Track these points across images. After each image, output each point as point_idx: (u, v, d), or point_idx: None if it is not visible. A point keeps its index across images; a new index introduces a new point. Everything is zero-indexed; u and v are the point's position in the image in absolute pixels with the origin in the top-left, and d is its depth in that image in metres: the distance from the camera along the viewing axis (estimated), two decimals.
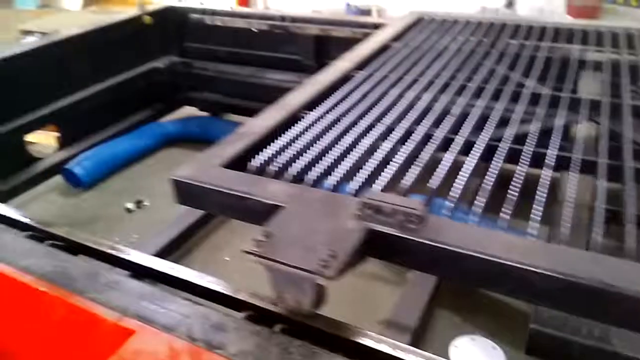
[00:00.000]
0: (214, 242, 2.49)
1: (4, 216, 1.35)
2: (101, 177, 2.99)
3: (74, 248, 1.23)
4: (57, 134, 2.98)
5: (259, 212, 1.11)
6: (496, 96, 1.73)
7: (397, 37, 2.38)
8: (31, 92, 2.67)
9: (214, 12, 3.35)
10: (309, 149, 1.38)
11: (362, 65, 2.03)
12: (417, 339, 1.77)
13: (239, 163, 1.31)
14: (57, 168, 2.85)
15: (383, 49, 2.23)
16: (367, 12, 7.25)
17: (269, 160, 1.31)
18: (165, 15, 3.44)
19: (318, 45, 3.12)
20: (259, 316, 1.00)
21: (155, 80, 3.38)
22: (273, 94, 2.97)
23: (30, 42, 3.11)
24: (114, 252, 1.21)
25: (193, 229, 2.43)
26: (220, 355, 0.88)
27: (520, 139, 1.46)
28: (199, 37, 3.49)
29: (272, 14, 3.42)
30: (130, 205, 2.72)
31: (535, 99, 1.70)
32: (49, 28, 5.58)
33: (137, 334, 0.93)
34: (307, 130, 1.49)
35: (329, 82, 1.86)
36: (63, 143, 2.99)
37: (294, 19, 3.13)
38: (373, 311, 1.94)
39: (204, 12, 3.37)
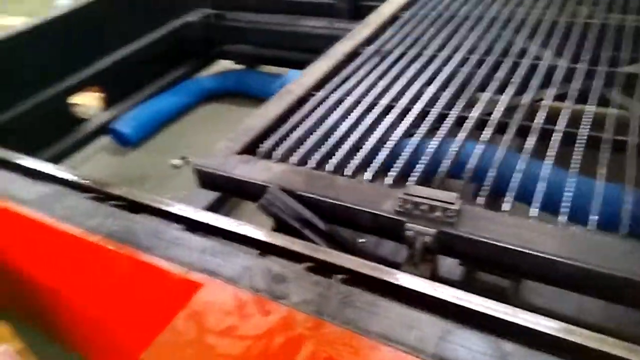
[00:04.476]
0: None
1: (66, 179, 1.41)
2: (146, 135, 3.07)
3: (134, 207, 1.28)
4: (101, 95, 3.05)
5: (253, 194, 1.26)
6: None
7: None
8: (72, 54, 2.72)
9: None
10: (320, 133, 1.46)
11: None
12: None
13: (254, 148, 1.42)
14: (104, 128, 2.93)
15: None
16: None
17: (294, 147, 1.40)
18: None
19: None
20: (318, 267, 1.03)
21: (190, 34, 3.37)
22: (307, 41, 2.96)
23: (66, 4, 3.12)
24: (171, 209, 1.25)
25: None
26: (284, 304, 0.92)
27: None
28: None
29: None
30: (176, 162, 2.79)
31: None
32: None
33: (205, 287, 0.97)
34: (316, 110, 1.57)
35: (339, 59, 1.86)
36: (107, 103, 3.05)
37: None
38: None
39: None
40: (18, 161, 1.54)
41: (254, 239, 1.13)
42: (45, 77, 2.60)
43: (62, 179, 1.42)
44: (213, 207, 2.18)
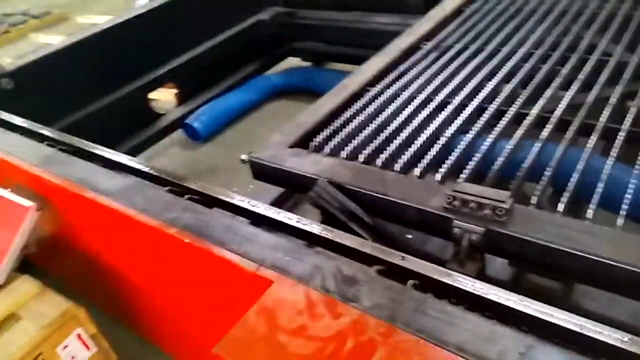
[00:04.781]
0: None
1: (145, 172, 1.47)
2: (216, 130, 3.15)
3: (209, 201, 1.31)
4: (175, 91, 3.17)
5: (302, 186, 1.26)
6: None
7: None
8: (150, 52, 2.84)
9: None
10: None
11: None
12: None
13: (306, 141, 1.43)
14: (178, 123, 3.04)
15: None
16: None
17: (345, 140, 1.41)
18: None
19: None
20: (389, 271, 1.00)
21: (261, 32, 3.42)
22: (377, 39, 2.88)
23: (144, 3, 3.26)
24: (244, 205, 1.26)
25: None
26: (355, 307, 0.90)
27: None
28: None
29: None
30: (244, 157, 2.82)
31: None
32: None
33: (276, 284, 0.98)
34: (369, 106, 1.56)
35: (397, 55, 1.84)
36: (181, 99, 3.16)
37: None
38: None
39: None
40: (100, 153, 1.62)
41: (322, 237, 1.11)
42: (126, 74, 2.74)
43: (142, 171, 1.48)
44: (278, 202, 2.19)
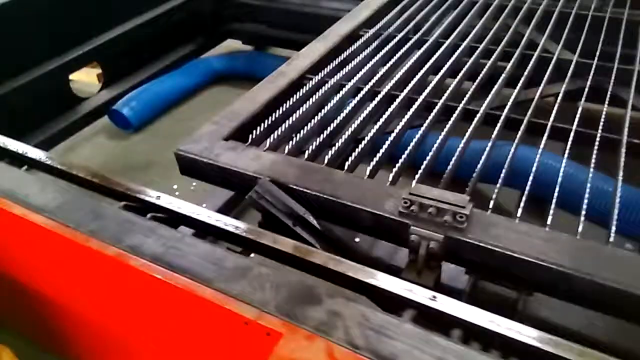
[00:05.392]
0: None
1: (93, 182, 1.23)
2: (149, 119, 2.89)
3: (174, 219, 1.11)
4: (98, 71, 2.86)
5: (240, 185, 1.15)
6: None
7: None
8: (72, 28, 2.51)
9: None
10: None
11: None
12: None
13: (242, 134, 1.30)
14: (103, 109, 2.74)
15: None
16: None
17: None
18: None
19: None
20: (423, 315, 0.85)
21: (198, 9, 3.16)
22: (328, 24, 2.73)
23: None
24: (217, 224, 1.09)
25: None
26: None
27: None
28: None
29: None
30: None
31: None
32: None
33: (285, 338, 0.75)
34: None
35: (337, 41, 1.76)
36: (106, 81, 2.86)
37: None
38: None
39: None
40: (15, 149, 1.36)
41: (346, 275, 0.94)
42: (46, 50, 2.41)
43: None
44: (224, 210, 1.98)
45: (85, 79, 2.97)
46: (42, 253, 1.12)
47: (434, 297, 0.87)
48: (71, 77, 2.64)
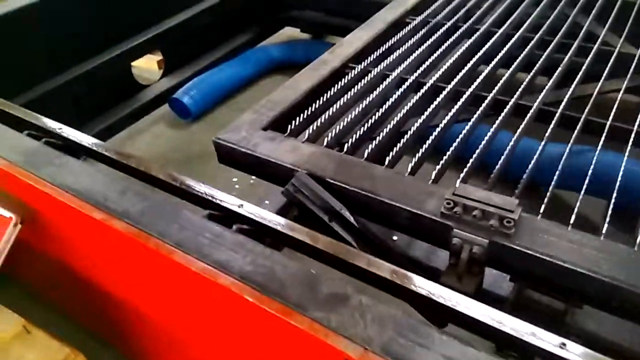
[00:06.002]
0: None
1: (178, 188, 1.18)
2: (207, 108, 2.94)
3: (260, 231, 1.03)
4: (158, 58, 2.93)
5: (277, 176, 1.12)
6: None
7: None
8: (134, 15, 2.57)
9: None
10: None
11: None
12: None
13: (282, 123, 1.27)
14: (164, 97, 2.82)
15: None
16: None
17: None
18: None
19: None
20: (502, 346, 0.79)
21: None
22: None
23: None
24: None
25: None
26: None
27: None
28: None
29: None
30: None
31: None
32: None
33: None
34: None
35: (382, 28, 1.68)
36: (166, 68, 2.92)
37: None
38: None
39: None
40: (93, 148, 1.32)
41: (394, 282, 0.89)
42: (109, 38, 2.47)
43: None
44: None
45: (145, 65, 3.04)
46: (120, 258, 1.11)
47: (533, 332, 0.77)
48: (134, 64, 2.69)
